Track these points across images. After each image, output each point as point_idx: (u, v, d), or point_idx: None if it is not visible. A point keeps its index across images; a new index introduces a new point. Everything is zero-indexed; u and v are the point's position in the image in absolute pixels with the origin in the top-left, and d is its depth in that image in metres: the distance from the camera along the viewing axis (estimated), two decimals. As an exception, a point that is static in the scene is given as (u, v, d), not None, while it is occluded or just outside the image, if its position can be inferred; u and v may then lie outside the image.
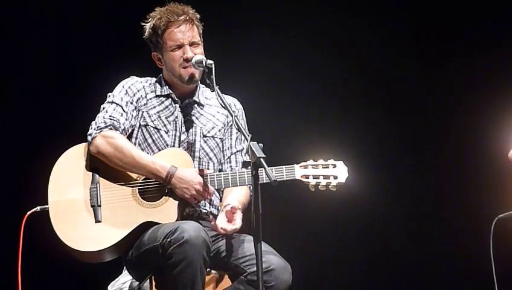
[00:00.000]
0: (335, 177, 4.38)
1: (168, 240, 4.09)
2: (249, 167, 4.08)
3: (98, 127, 4.36)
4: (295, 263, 4.31)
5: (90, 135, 4.37)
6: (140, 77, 4.57)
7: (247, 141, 3.89)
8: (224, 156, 4.60)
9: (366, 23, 6.34)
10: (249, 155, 4.09)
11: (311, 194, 4.39)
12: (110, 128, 4.37)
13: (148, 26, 4.51)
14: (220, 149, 4.57)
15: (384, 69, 6.37)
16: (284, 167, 4.36)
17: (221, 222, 4.29)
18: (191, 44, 4.43)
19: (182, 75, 4.45)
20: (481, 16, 6.26)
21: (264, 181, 4.05)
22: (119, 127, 4.40)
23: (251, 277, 4.22)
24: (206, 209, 4.48)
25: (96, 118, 4.42)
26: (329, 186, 4.38)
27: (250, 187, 4.38)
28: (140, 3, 4.73)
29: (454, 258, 6.24)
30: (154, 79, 4.57)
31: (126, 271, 4.43)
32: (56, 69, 5.98)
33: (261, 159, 3.80)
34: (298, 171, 4.37)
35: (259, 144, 3.90)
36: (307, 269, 5.54)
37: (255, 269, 4.12)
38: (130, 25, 4.69)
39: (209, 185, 4.32)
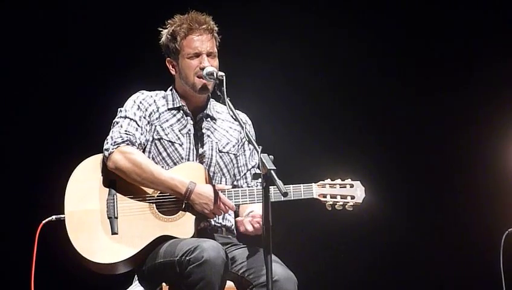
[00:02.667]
0: (352, 197, 4.40)
1: (187, 258, 4.07)
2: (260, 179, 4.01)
3: (115, 142, 4.34)
4: (303, 275, 4.30)
5: (107, 150, 4.34)
6: (149, 90, 4.56)
7: (258, 152, 3.87)
8: (240, 173, 4.60)
9: (385, 38, 6.42)
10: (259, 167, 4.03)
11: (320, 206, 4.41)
12: (127, 144, 4.35)
13: (166, 32, 4.50)
14: (233, 165, 4.57)
15: (399, 87, 6.42)
16: (301, 185, 4.37)
17: (247, 223, 4.28)
18: (209, 54, 4.43)
19: (196, 83, 4.44)
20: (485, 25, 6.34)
21: (282, 199, 4.10)
22: (136, 142, 4.38)
23: (256, 289, 4.22)
24: (219, 223, 4.47)
25: (111, 132, 4.39)
26: (346, 206, 4.40)
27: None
28: (152, 15, 4.73)
29: (464, 272, 6.25)
30: (163, 92, 4.56)
31: (136, 282, 4.40)
32: (72, 80, 5.98)
33: (272, 171, 3.79)
34: (316, 190, 4.38)
35: (270, 156, 3.89)
36: (315, 281, 5.57)
37: (260, 281, 4.19)
38: (143, 38, 4.68)
39: (227, 200, 4.32)
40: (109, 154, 4.32)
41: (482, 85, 6.30)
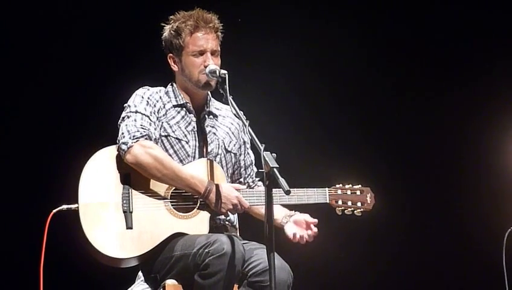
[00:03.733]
0: (362, 203, 4.49)
1: (206, 250, 4.10)
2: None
3: (133, 136, 4.30)
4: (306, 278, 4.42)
5: (125, 143, 4.29)
6: (152, 86, 4.54)
7: (261, 150, 3.89)
8: (246, 173, 4.64)
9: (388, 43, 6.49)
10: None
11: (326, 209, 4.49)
12: (146, 138, 4.32)
13: (169, 27, 4.49)
14: (232, 164, 4.59)
15: (404, 92, 6.50)
16: (315, 189, 4.44)
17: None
18: (213, 53, 4.43)
19: (200, 80, 4.43)
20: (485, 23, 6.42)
21: (297, 202, 4.27)
22: (152, 137, 4.37)
23: (251, 279, 4.25)
24: (224, 219, 4.48)
25: (125, 126, 4.34)
26: (355, 212, 4.48)
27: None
28: (155, 10, 4.72)
29: (466, 271, 6.31)
30: (164, 88, 4.54)
31: (139, 280, 4.40)
32: (86, 69, 5.98)
33: (275, 169, 3.80)
34: (328, 195, 4.46)
35: (273, 154, 3.91)
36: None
37: (255, 270, 4.25)
38: (149, 31, 4.69)
39: (243, 199, 4.34)
40: (128, 147, 4.28)
41: (483, 86, 6.35)
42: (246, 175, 4.64)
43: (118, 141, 4.35)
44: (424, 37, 6.49)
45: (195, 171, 4.36)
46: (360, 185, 4.52)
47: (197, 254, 4.13)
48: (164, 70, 4.54)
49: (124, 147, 4.30)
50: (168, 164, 4.31)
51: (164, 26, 4.52)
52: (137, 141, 4.30)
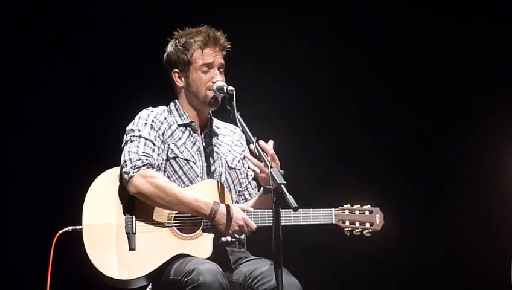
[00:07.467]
0: (371, 224, 4.43)
1: (185, 279, 4.10)
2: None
3: (134, 165, 4.28)
4: None
5: (126, 173, 4.27)
6: (154, 106, 4.52)
7: (268, 167, 3.87)
8: (240, 184, 4.58)
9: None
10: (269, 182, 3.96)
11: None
12: (147, 167, 4.29)
13: (175, 42, 4.48)
14: (238, 180, 4.56)
15: (416, 111, 6.47)
16: (321, 210, 4.38)
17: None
18: (219, 68, 4.44)
19: (208, 96, 4.42)
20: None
21: (301, 223, 4.25)
22: (154, 163, 4.33)
23: None
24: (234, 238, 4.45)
25: (127, 154, 4.32)
26: (364, 232, 4.43)
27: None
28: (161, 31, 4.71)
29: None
30: (167, 107, 4.52)
31: None
32: (91, 92, 6.00)
33: (282, 186, 3.79)
34: (335, 216, 4.40)
35: (280, 171, 3.91)
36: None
37: (265, 286, 4.22)
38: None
39: (250, 220, 4.30)
40: (129, 178, 4.27)
41: (496, 100, 6.34)
42: (242, 188, 4.58)
43: (120, 168, 4.33)
44: (430, 48, 6.48)
45: (200, 193, 4.33)
46: (368, 205, 4.47)
47: (180, 281, 4.14)
48: (166, 90, 4.55)
49: (126, 176, 4.29)
50: (170, 190, 4.28)
51: (170, 41, 4.51)
52: (138, 170, 4.28)
